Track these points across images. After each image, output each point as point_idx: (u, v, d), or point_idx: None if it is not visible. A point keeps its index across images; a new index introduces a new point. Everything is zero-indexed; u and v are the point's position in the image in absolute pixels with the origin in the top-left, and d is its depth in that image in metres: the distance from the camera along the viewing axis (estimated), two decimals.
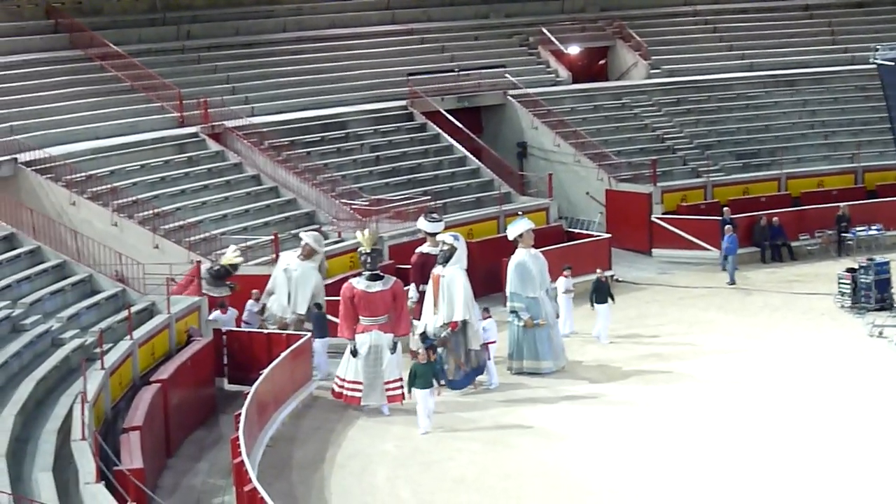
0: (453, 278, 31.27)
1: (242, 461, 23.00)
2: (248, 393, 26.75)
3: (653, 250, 44.09)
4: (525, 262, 32.79)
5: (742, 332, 35.32)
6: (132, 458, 23.06)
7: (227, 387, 31.29)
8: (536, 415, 29.26)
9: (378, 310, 29.86)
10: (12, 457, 22.69)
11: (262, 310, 33.39)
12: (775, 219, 43.69)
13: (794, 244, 43.85)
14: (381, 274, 30.41)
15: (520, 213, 37.71)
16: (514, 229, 33.60)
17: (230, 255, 33.94)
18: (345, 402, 29.83)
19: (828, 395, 29.90)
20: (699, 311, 37.70)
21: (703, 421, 28.46)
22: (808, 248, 44.09)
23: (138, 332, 29.14)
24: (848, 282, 37.26)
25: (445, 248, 31.81)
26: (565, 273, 35.49)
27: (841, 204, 44.45)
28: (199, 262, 33.76)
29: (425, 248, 34.66)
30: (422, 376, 27.89)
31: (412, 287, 33.62)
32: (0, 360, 26.67)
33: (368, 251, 30.20)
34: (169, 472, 26.46)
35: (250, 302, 33.39)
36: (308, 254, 33.76)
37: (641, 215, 44.50)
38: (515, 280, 32.72)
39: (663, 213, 44.78)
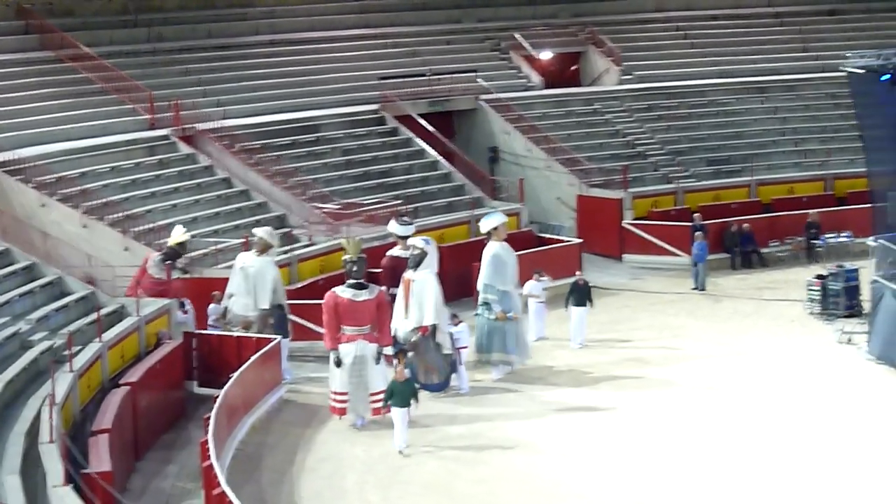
0: (424, 282, 31.27)
1: (211, 465, 22.94)
2: (217, 396, 26.69)
3: (623, 256, 44.17)
4: (501, 255, 32.91)
5: (712, 338, 35.41)
6: (100, 461, 22.97)
7: (197, 390, 31.20)
8: (507, 420, 29.27)
9: (363, 319, 29.18)
10: None
11: (225, 313, 33.21)
12: (746, 225, 43.81)
13: (764, 251, 43.98)
14: (366, 283, 29.81)
15: (493, 207, 37.72)
16: (489, 222, 33.64)
17: (177, 234, 33.85)
18: (333, 414, 29.20)
19: (797, 401, 30.00)
20: (670, 317, 37.78)
21: (673, 426, 28.52)
22: (779, 254, 44.22)
23: (108, 335, 29.04)
24: (817, 288, 37.40)
25: (416, 252, 31.80)
26: (536, 277, 35.48)
27: (811, 211, 44.61)
28: (146, 256, 33.55)
29: (396, 252, 34.70)
30: (399, 394, 27.15)
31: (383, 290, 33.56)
32: None
33: (354, 259, 29.63)
34: (138, 476, 26.37)
35: (212, 306, 33.21)
36: (262, 248, 33.51)
37: (612, 221, 44.57)
38: (491, 271, 32.76)
39: (634, 219, 44.85)
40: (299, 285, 36.56)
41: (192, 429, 28.70)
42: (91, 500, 20.51)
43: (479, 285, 33.12)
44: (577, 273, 35.93)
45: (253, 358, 29.62)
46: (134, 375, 28.03)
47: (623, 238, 44.29)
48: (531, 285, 35.35)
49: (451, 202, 44.24)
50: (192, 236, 34.42)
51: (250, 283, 32.95)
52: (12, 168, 37.22)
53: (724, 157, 49.80)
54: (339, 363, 29.02)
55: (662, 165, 48.86)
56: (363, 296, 29.27)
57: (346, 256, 29.88)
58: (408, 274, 31.73)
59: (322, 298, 34.77)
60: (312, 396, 31.35)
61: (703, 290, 40.58)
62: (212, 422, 24.67)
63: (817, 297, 37.34)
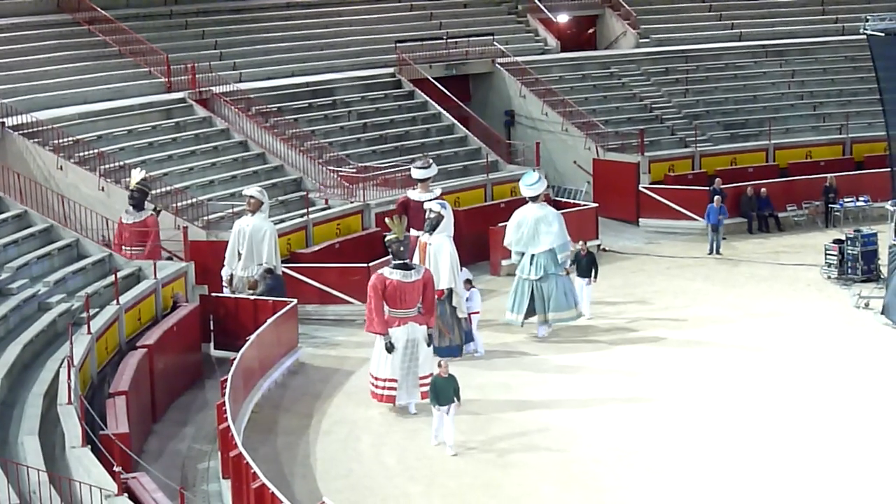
0: (440, 246, 31.27)
1: (228, 427, 23.02)
2: (234, 359, 26.76)
3: (640, 220, 44.12)
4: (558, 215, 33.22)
5: (728, 303, 35.38)
6: (118, 422, 23.08)
7: (214, 352, 31.30)
8: (521, 384, 29.30)
9: (412, 301, 27.83)
10: None
11: (231, 280, 33.26)
12: (763, 189, 43.71)
13: (781, 215, 43.89)
14: (412, 262, 28.75)
15: (534, 168, 37.57)
16: (538, 187, 33.16)
17: (135, 176, 34.02)
18: (379, 402, 27.78)
19: (813, 365, 29.99)
20: (686, 282, 37.74)
21: (686, 391, 28.53)
22: (796, 218, 44.15)
23: (125, 297, 29.12)
24: (835, 253, 37.32)
25: (433, 215, 31.77)
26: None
27: (828, 175, 44.49)
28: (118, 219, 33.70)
29: (412, 195, 35.05)
30: (442, 391, 25.34)
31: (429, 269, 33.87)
32: None
33: (401, 238, 28.20)
34: (154, 437, 26.49)
35: (225, 268, 33.29)
36: (255, 207, 33.54)
37: (629, 185, 44.52)
38: (563, 232, 32.74)
39: (650, 183, 44.79)
40: (315, 248, 36.60)
41: (209, 391, 28.82)
42: (109, 460, 20.59)
43: (538, 247, 32.51)
44: (580, 243, 35.08)
45: (269, 320, 29.68)
46: (151, 338, 28.12)
47: (639, 202, 44.23)
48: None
49: (467, 166, 44.20)
50: (150, 178, 34.61)
51: (247, 242, 33.03)
52: (30, 131, 37.26)
53: (742, 120, 49.67)
54: (390, 349, 27.62)
55: (679, 129, 48.74)
56: (412, 276, 27.91)
57: (392, 236, 28.43)
58: (424, 238, 31.72)
59: (337, 262, 35.06)
60: (328, 359, 31.44)
61: (719, 254, 40.52)
62: (228, 384, 24.75)
63: (834, 262, 37.28)
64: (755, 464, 24.21)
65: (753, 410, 27.06)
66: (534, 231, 32.57)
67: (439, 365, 25.64)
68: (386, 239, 29.12)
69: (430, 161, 36.46)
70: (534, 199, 33.01)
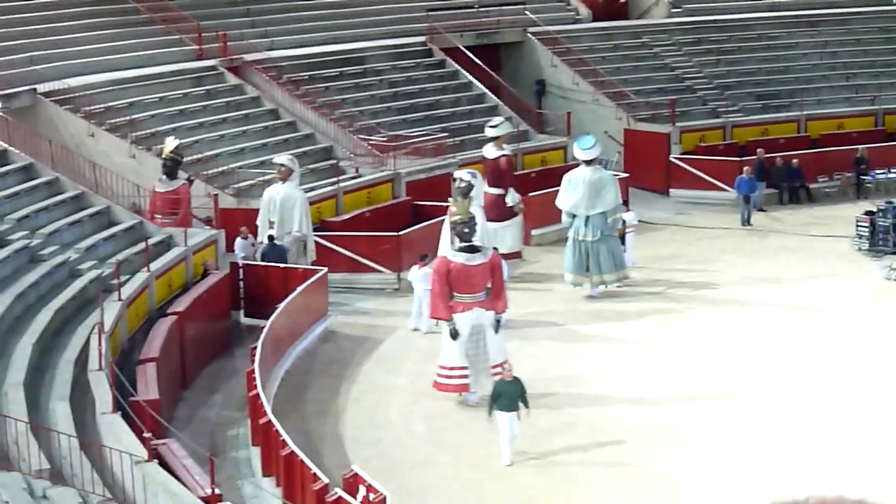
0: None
1: (258, 394, 23.12)
2: (263, 326, 26.85)
3: (670, 190, 44.00)
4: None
5: (758, 274, 35.28)
6: (148, 389, 23.23)
7: (243, 320, 31.40)
8: (549, 352, 29.34)
9: (478, 285, 26.44)
10: (30, 386, 22.86)
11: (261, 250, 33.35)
12: (794, 160, 43.52)
13: (812, 186, 43.69)
14: (478, 245, 27.27)
15: (588, 132, 37.72)
16: (594, 151, 33.63)
17: (169, 144, 34.06)
18: (450, 392, 26.40)
19: (842, 336, 29.91)
20: (716, 252, 37.64)
21: (713, 364, 28.51)
22: (827, 190, 43.95)
23: (155, 265, 29.26)
24: (866, 224, 37.17)
25: (462, 185, 31.74)
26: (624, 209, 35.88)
27: (860, 146, 44.25)
28: (151, 187, 33.76)
29: (486, 152, 36.34)
30: (506, 396, 23.42)
31: (511, 191, 35.29)
32: (18, 290, 26.81)
33: (465, 219, 26.99)
34: (184, 404, 26.63)
35: (239, 241, 33.30)
36: (285, 175, 33.66)
37: (660, 155, 44.38)
38: (618, 194, 33.63)
39: (681, 154, 44.65)
40: (345, 217, 36.66)
41: (238, 359, 28.91)
42: (139, 427, 20.72)
43: (599, 208, 33.11)
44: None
45: (299, 288, 29.75)
46: (181, 305, 28.25)
47: (670, 172, 44.12)
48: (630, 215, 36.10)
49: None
50: (182, 146, 34.65)
51: (279, 210, 33.11)
52: (61, 98, 37.38)
53: (773, 91, 49.40)
54: (455, 335, 26.20)
55: (710, 100, 48.53)
56: (477, 259, 26.45)
57: (455, 217, 27.33)
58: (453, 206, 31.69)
59: (367, 231, 35.10)
60: (357, 327, 31.51)
61: (750, 225, 40.40)
62: (258, 352, 24.84)
63: (865, 234, 37.13)
64: (791, 439, 24.21)
65: (784, 383, 27.03)
66: (592, 193, 33.02)
67: (504, 368, 24.14)
68: (450, 220, 28.28)
69: (502, 119, 37.32)
70: (588, 162, 33.42)
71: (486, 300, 26.50)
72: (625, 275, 33.62)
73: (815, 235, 39.09)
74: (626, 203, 36.44)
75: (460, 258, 26.50)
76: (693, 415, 25.45)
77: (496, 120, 37.56)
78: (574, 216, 33.33)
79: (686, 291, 33.84)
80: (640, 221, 37.71)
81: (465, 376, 26.17)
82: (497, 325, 26.45)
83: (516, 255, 35.47)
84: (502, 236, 35.17)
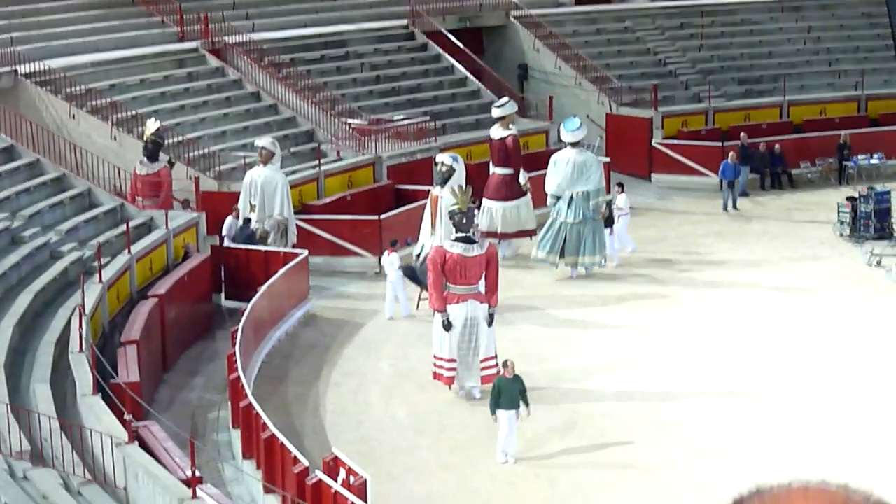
0: (452, 199, 31.19)
1: (238, 377, 23.09)
2: (244, 309, 26.81)
3: (652, 175, 44.01)
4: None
5: (741, 259, 35.32)
6: (129, 371, 23.18)
7: (224, 303, 31.36)
8: (529, 337, 29.30)
9: (474, 277, 26.15)
10: (10, 368, 22.80)
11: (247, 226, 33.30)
12: (776, 146, 43.54)
13: (794, 172, 43.72)
14: (475, 236, 27.18)
15: (575, 114, 37.90)
16: (580, 133, 34.07)
17: (150, 127, 34.00)
18: (443, 383, 26.07)
19: (824, 322, 29.97)
20: (697, 237, 37.67)
21: (698, 346, 28.55)
22: (809, 175, 43.99)
23: (136, 247, 29.18)
24: (848, 210, 37.22)
25: (444, 168, 31.74)
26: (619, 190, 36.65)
27: (843, 132, 44.28)
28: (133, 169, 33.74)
29: (493, 132, 36.25)
30: (507, 393, 22.93)
31: (521, 170, 35.52)
32: None
33: (464, 210, 26.66)
34: (165, 387, 26.59)
35: (229, 219, 33.24)
36: (266, 158, 33.60)
37: (642, 140, 44.39)
38: (602, 176, 34.12)
39: (664, 139, 44.66)
40: (327, 200, 36.60)
41: (220, 341, 28.87)
42: (119, 409, 20.68)
43: (583, 189, 33.34)
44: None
45: (280, 272, 29.71)
46: (162, 287, 28.19)
47: (652, 157, 44.12)
48: (622, 198, 36.44)
49: (480, 119, 44.02)
50: (163, 128, 34.65)
51: (260, 193, 33.05)
52: (42, 79, 37.24)
53: (756, 76, 49.44)
54: (448, 326, 25.84)
55: (693, 85, 48.55)
56: (474, 251, 26.10)
57: (454, 207, 26.95)
58: (435, 191, 31.71)
59: (348, 214, 35.06)
60: (338, 311, 31.48)
61: (736, 209, 40.44)
62: (239, 335, 24.80)
63: (847, 219, 37.17)
64: (780, 427, 24.26)
65: (768, 370, 27.07)
66: (577, 173, 33.30)
67: (505, 365, 23.44)
68: (448, 210, 27.81)
69: (507, 98, 37.59)
70: (574, 144, 33.72)
71: (480, 293, 26.20)
72: (603, 258, 33.67)
73: (797, 221, 39.15)
74: (620, 186, 36.84)
75: (457, 249, 26.10)
76: (674, 401, 25.48)
77: (502, 100, 37.80)
78: (558, 198, 33.38)
79: (668, 276, 33.87)
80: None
81: (454, 369, 25.82)
82: (490, 319, 26.08)
83: (531, 233, 35.54)
84: (514, 215, 35.33)
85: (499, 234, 35.17)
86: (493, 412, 22.88)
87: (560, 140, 39.35)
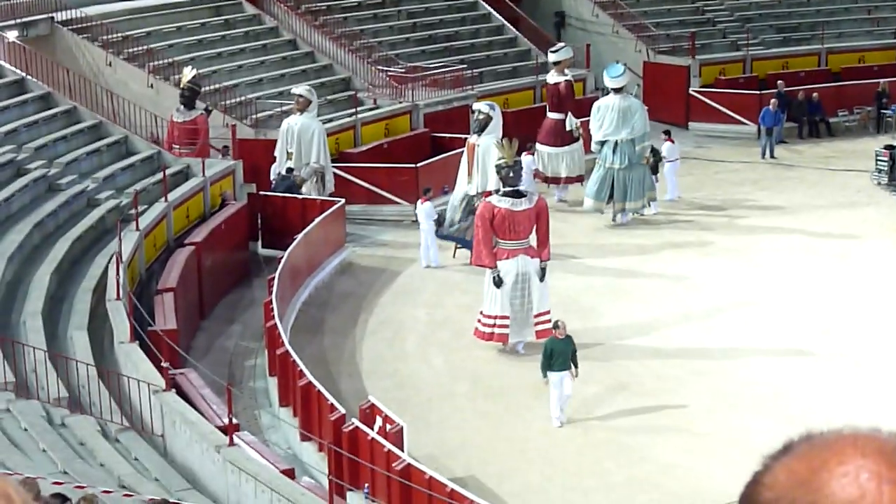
0: (488, 147, 31.14)
1: (275, 325, 23.17)
2: (281, 257, 26.87)
3: (689, 124, 43.77)
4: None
5: (777, 208, 35.14)
6: (166, 319, 23.29)
7: (261, 251, 31.42)
8: (568, 285, 29.19)
9: (523, 231, 25.52)
10: (48, 315, 22.95)
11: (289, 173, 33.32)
12: (814, 94, 43.23)
13: (832, 120, 43.41)
14: (524, 189, 26.68)
15: (617, 60, 37.90)
16: (623, 79, 34.18)
17: (186, 74, 34.03)
18: (487, 341, 25.51)
19: (862, 271, 29.82)
20: (734, 186, 37.49)
21: (738, 298, 28.45)
22: (846, 124, 43.67)
23: (173, 195, 29.24)
24: (885, 159, 36.96)
25: (481, 117, 31.66)
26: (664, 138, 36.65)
27: (881, 80, 43.92)
28: (169, 116, 33.78)
29: (549, 77, 36.72)
30: (560, 354, 22.31)
31: (569, 115, 35.60)
32: (36, 219, 26.87)
33: (511, 163, 26.15)
34: (202, 334, 26.71)
35: (275, 166, 33.33)
36: (303, 106, 33.56)
37: (679, 88, 44.14)
38: (647, 121, 34.20)
39: (701, 87, 44.40)
40: (363, 149, 36.58)
41: (256, 289, 28.95)
42: (157, 356, 20.79)
43: (627, 135, 33.43)
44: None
45: (317, 220, 29.74)
46: (199, 235, 28.26)
47: (689, 106, 43.89)
48: (668, 147, 36.33)
49: (517, 67, 43.91)
50: (199, 76, 34.68)
51: (297, 141, 33.06)
52: (78, 27, 37.28)
53: (794, 24, 49.01)
54: (499, 283, 25.25)
55: (731, 32, 48.18)
56: (522, 204, 25.53)
57: (501, 160, 26.36)
58: (472, 139, 31.64)
59: (385, 162, 35.04)
60: (375, 259, 31.53)
61: (773, 157, 40.25)
62: (275, 282, 24.87)
63: (885, 168, 36.92)
64: (831, 380, 24.23)
65: (809, 319, 26.98)
66: (621, 119, 33.42)
67: (556, 326, 22.79)
68: (495, 163, 27.21)
69: (563, 43, 38.22)
70: (617, 90, 33.80)
71: (531, 247, 25.63)
72: (652, 197, 34.00)
73: (834, 169, 38.91)
74: (667, 133, 36.86)
75: (505, 203, 25.54)
76: (720, 359, 25.44)
77: (558, 45, 38.22)
78: (603, 143, 33.54)
79: (706, 224, 33.74)
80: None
81: (507, 326, 25.25)
82: (542, 274, 25.51)
83: (578, 180, 35.64)
84: (565, 161, 35.63)
85: (549, 179, 35.57)
86: (545, 374, 22.25)
87: (597, 88, 39.33)
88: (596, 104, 34.37)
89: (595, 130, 33.91)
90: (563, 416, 22.32)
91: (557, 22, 48.47)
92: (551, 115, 36.11)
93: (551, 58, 36.87)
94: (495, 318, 25.28)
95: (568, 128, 35.71)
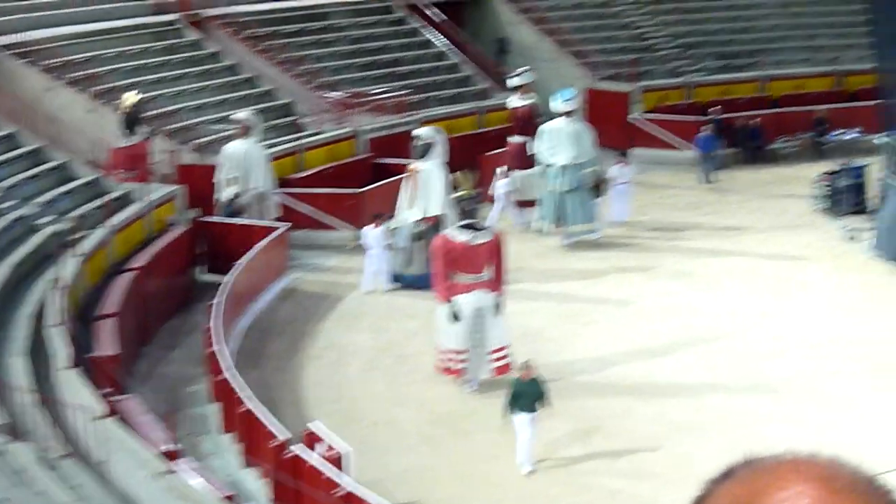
0: (431, 172, 31.22)
1: (217, 350, 23.07)
2: (223, 282, 26.77)
3: (632, 149, 43.94)
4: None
5: (719, 233, 35.37)
6: (107, 344, 23.12)
7: (204, 276, 31.29)
8: (516, 313, 29.22)
9: (481, 265, 24.98)
10: None
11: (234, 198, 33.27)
12: (754, 120, 43.60)
13: (772, 146, 43.79)
14: (481, 223, 26.19)
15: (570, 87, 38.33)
16: (574, 102, 34.92)
17: (128, 99, 33.92)
18: (448, 375, 25.06)
19: (799, 296, 30.04)
20: (677, 211, 37.71)
21: (677, 321, 28.58)
22: (787, 150, 44.04)
23: (114, 220, 29.08)
24: (825, 185, 37.30)
25: (424, 142, 31.72)
26: (619, 161, 37.04)
27: (820, 107, 44.36)
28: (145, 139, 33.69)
29: (513, 102, 37.39)
30: (526, 396, 21.71)
31: (532, 140, 35.71)
32: None
33: (471, 195, 25.90)
34: (143, 360, 26.53)
35: (221, 191, 33.24)
36: (245, 131, 33.56)
37: (621, 114, 44.39)
38: (594, 146, 34.66)
39: (643, 113, 44.67)
40: (307, 174, 36.54)
41: (198, 315, 28.78)
42: (97, 383, 20.64)
43: (581, 158, 33.89)
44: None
45: (260, 245, 29.67)
46: (140, 261, 28.12)
47: (631, 132, 44.12)
48: (618, 169, 36.74)
49: (459, 93, 44.06)
50: (144, 100, 34.62)
51: (239, 166, 32.99)
52: (19, 51, 37.01)
53: (734, 51, 49.46)
54: (456, 317, 24.76)
55: (672, 59, 48.55)
56: (480, 238, 25.08)
57: (460, 192, 26.16)
58: (415, 164, 31.69)
59: (328, 187, 35.02)
60: (318, 284, 31.46)
61: (710, 182, 40.55)
62: (217, 308, 24.77)
63: (824, 194, 37.24)
64: (778, 404, 24.35)
65: (740, 338, 27.13)
66: (572, 142, 33.87)
67: (525, 367, 22.04)
68: (454, 196, 26.81)
69: (526, 67, 38.82)
70: (568, 113, 34.25)
71: (487, 281, 25.09)
72: (594, 227, 34.18)
73: (774, 195, 39.20)
74: (620, 155, 37.48)
75: (463, 236, 25.07)
76: (648, 378, 25.53)
77: (519, 70, 38.81)
78: (549, 166, 33.84)
79: (647, 249, 33.91)
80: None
81: (464, 360, 24.76)
82: (498, 308, 25.04)
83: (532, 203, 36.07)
84: (527, 184, 35.90)
85: (517, 202, 36.27)
86: (506, 415, 21.65)
87: (540, 114, 39.48)
88: (543, 127, 34.64)
89: (542, 154, 34.09)
90: (530, 462, 21.56)
91: (500, 48, 48.62)
92: (516, 139, 36.59)
93: (513, 82, 37.49)
94: (454, 352, 24.76)
95: (529, 151, 35.93)
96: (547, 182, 34.17)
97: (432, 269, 25.51)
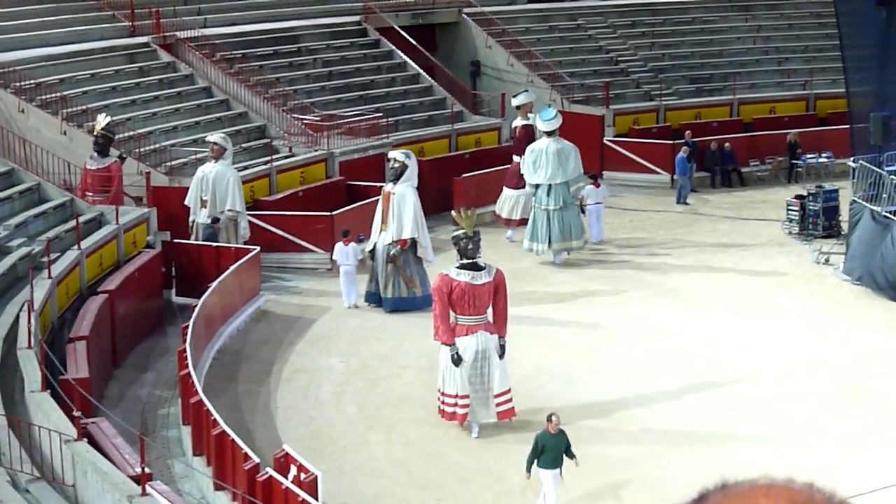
0: (404, 195, 31.24)
1: (188, 373, 23.00)
2: (195, 305, 26.71)
3: (604, 173, 44.07)
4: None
5: (689, 256, 35.47)
6: (78, 367, 23.04)
7: (176, 299, 31.23)
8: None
9: (483, 306, 24.21)
10: None
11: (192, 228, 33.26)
12: (726, 144, 43.78)
13: (744, 170, 43.98)
14: (483, 262, 24.93)
15: (549, 104, 38.70)
16: (555, 122, 35.03)
17: (100, 121, 33.91)
18: (450, 421, 24.14)
19: (771, 320, 30.12)
20: (647, 234, 37.82)
21: (648, 344, 28.64)
22: (759, 173, 44.24)
23: (86, 242, 29.00)
24: (796, 208, 37.46)
25: (396, 165, 31.74)
26: (592, 182, 37.41)
27: (792, 130, 44.59)
28: (83, 164, 33.60)
29: (520, 122, 37.96)
30: (551, 450, 20.70)
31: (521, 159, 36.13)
32: None
33: (470, 234, 24.81)
34: (115, 383, 26.46)
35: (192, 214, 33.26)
36: (218, 153, 33.56)
37: (593, 137, 44.47)
38: (580, 163, 35.11)
39: (615, 136, 44.79)
40: (279, 196, 36.51)
41: (170, 337, 28.76)
42: (68, 405, 20.55)
43: (561, 178, 34.31)
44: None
45: (232, 268, 29.62)
46: (112, 283, 28.03)
47: (603, 155, 44.23)
48: (590, 190, 36.91)
49: (432, 116, 44.11)
50: (113, 123, 34.60)
51: (210, 188, 32.97)
52: None
53: (707, 75, 49.69)
54: (458, 361, 23.86)
55: (644, 83, 48.74)
56: (482, 278, 24.22)
57: (460, 231, 25.12)
58: (387, 187, 31.70)
59: (301, 210, 35.01)
60: (290, 307, 31.43)
61: (686, 203, 40.75)
62: (189, 331, 24.71)
63: (796, 217, 37.41)
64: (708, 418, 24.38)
65: (712, 363, 27.18)
66: (557, 162, 34.23)
67: (549, 419, 21.01)
68: (452, 235, 25.92)
69: (525, 88, 39.69)
70: (549, 133, 34.60)
71: (489, 322, 24.34)
72: (584, 241, 34.97)
73: (746, 219, 39.37)
74: (594, 178, 37.83)
75: (464, 277, 24.20)
76: (620, 401, 25.55)
77: (519, 91, 39.70)
78: (537, 186, 34.25)
79: (616, 274, 33.97)
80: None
81: (467, 406, 23.89)
82: (502, 351, 24.23)
83: (523, 222, 36.37)
84: (522, 203, 36.53)
85: (512, 221, 36.96)
86: (529, 469, 20.70)
87: (512, 137, 39.66)
88: (530, 147, 35.00)
89: (529, 174, 34.53)
90: None
91: (473, 71, 48.76)
92: (516, 159, 37.13)
93: (513, 102, 38.33)
94: (455, 397, 23.93)
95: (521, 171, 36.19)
96: (535, 201, 34.50)
97: (434, 309, 24.57)
